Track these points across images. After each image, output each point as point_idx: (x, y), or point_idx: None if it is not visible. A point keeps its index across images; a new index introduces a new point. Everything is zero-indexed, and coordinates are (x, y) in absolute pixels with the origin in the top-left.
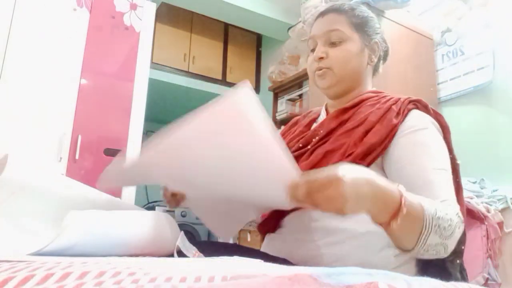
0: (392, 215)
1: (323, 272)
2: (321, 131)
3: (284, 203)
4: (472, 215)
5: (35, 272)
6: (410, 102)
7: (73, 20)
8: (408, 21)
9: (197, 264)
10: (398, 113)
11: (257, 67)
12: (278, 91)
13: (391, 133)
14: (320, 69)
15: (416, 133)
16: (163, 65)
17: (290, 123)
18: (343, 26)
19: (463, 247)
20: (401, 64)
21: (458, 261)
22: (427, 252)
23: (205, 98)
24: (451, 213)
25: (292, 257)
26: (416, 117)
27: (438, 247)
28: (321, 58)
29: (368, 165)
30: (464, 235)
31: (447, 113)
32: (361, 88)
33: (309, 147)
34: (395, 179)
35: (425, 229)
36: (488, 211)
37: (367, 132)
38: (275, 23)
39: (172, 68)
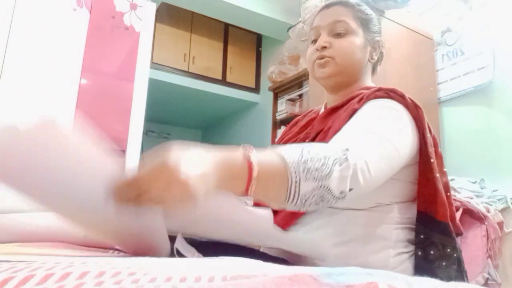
0: (247, 181)
1: (323, 272)
2: (311, 133)
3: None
4: (472, 215)
5: (35, 272)
6: (380, 90)
7: (73, 20)
8: (408, 21)
9: (197, 264)
10: (361, 99)
11: (257, 67)
12: (278, 91)
13: (351, 115)
14: (322, 58)
15: (373, 107)
16: (163, 65)
17: (290, 124)
18: (349, 19)
19: (449, 250)
20: (401, 64)
21: (444, 263)
22: (307, 202)
23: (205, 98)
24: (328, 150)
25: (291, 257)
26: (379, 100)
27: (317, 192)
28: (324, 47)
29: None
30: (450, 237)
31: (447, 113)
32: (360, 84)
33: None
34: None
35: (291, 178)
36: (488, 211)
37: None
38: (275, 23)
39: (172, 68)
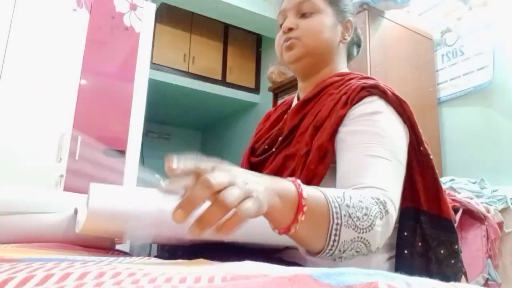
0: (295, 212)
1: (323, 273)
2: (285, 129)
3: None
4: (472, 216)
5: (35, 273)
6: (362, 89)
7: (73, 20)
8: (408, 21)
9: (197, 264)
10: (345, 103)
11: (257, 67)
12: (278, 91)
13: (338, 126)
14: (288, 40)
15: (361, 119)
16: (163, 66)
17: (263, 119)
18: None
19: (456, 246)
20: (401, 64)
21: (453, 261)
22: (344, 253)
23: (205, 98)
24: (368, 200)
25: (290, 257)
26: (367, 103)
27: (356, 244)
28: (291, 29)
29: (328, 166)
30: (455, 233)
31: (447, 113)
32: (332, 67)
33: (274, 149)
34: (337, 165)
35: (333, 221)
36: (488, 211)
37: (317, 130)
38: (275, 23)
39: (172, 68)
